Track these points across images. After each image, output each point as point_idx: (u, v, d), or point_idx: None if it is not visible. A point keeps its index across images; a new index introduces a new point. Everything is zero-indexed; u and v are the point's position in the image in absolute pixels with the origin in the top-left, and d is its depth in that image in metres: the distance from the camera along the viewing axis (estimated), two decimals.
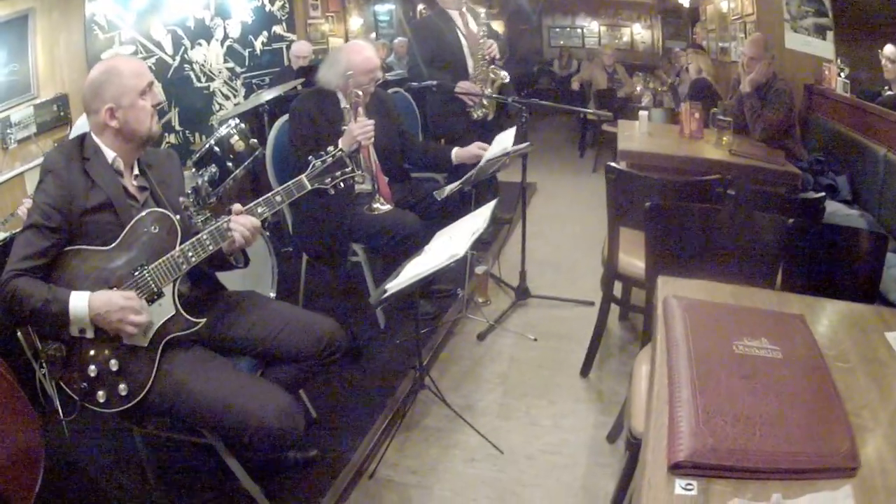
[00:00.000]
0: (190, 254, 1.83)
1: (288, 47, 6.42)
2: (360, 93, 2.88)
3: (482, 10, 4.10)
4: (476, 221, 2.35)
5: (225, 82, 5.72)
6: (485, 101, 3.94)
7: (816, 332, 1.22)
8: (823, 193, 2.45)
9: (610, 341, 3.19)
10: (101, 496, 2.28)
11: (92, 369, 1.77)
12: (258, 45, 6.19)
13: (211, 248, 1.86)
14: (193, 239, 1.85)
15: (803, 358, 1.12)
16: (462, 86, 3.89)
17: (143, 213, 1.86)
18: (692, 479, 0.89)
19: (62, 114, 4.08)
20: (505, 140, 3.05)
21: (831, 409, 1.00)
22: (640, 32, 12.21)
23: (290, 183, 1.98)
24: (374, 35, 8.62)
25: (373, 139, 2.85)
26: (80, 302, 1.72)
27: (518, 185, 3.49)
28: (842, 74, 4.41)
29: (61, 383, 1.82)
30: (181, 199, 2.07)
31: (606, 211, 2.68)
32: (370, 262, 3.15)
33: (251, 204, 1.94)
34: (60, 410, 2.35)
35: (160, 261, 1.81)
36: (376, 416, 2.59)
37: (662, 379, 1.09)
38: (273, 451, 2.24)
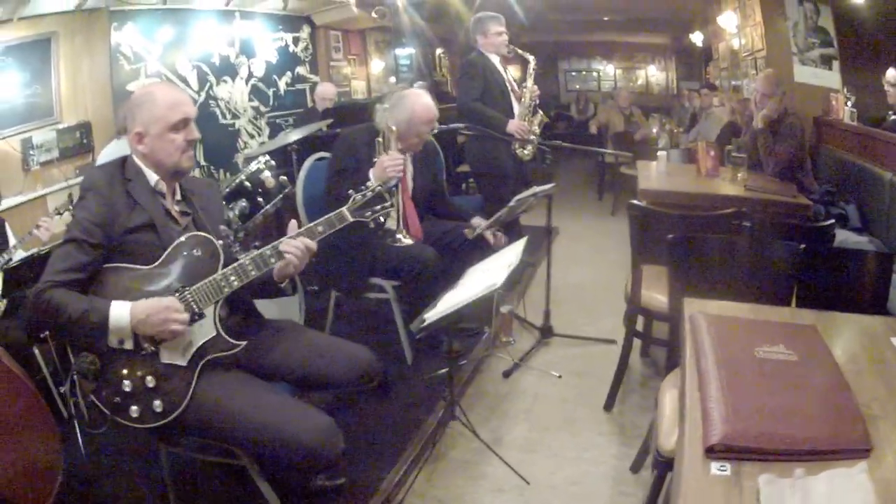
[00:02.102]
0: (232, 278, 1.90)
1: (311, 88, 6.61)
2: (394, 127, 3.07)
3: (531, 58, 4.39)
4: (509, 256, 2.49)
5: (250, 120, 5.89)
6: (532, 139, 4.22)
7: (829, 340, 1.40)
8: (833, 220, 2.61)
9: (631, 377, 3.30)
10: None
11: (126, 384, 1.82)
12: (282, 85, 6.39)
13: (253, 273, 1.92)
14: (236, 264, 1.92)
15: (817, 360, 1.29)
16: (514, 124, 4.20)
17: (186, 237, 1.94)
18: (725, 461, 1.05)
19: (85, 141, 4.21)
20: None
21: (844, 401, 1.16)
22: (654, 74, 12.51)
23: (331, 215, 2.06)
24: (393, 79, 8.85)
25: (402, 173, 3.01)
26: (121, 310, 1.78)
27: (540, 230, 3.66)
28: (848, 103, 4.59)
29: (92, 396, 1.84)
30: (221, 227, 2.14)
31: (630, 247, 2.82)
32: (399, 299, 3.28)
33: (295, 233, 2.02)
34: (77, 424, 2.49)
35: (202, 283, 1.87)
36: (404, 447, 2.68)
37: (693, 382, 1.26)
38: (310, 471, 2.28)
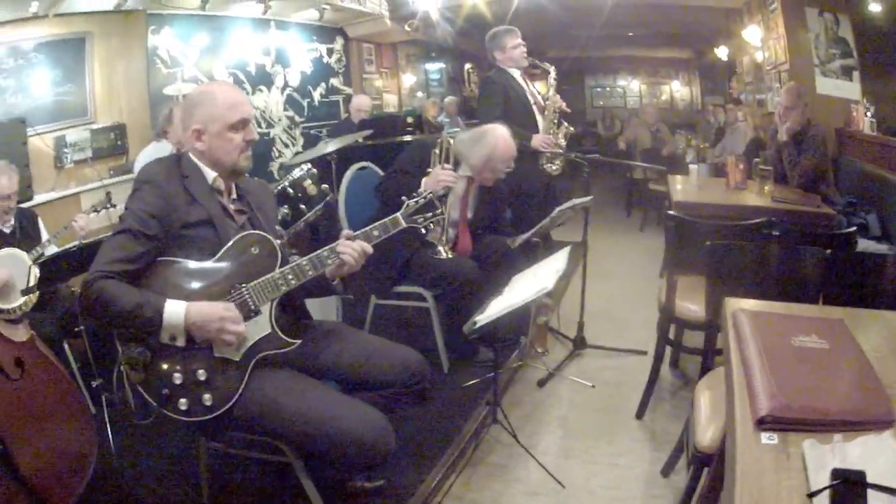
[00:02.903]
0: (290, 276, 1.97)
1: (345, 100, 6.80)
2: (452, 141, 3.25)
3: (551, 69, 4.46)
4: (557, 263, 2.66)
5: (284, 130, 6.06)
6: (560, 152, 4.27)
7: (855, 332, 1.60)
8: (855, 228, 2.75)
9: (662, 387, 3.44)
10: None
11: (177, 377, 1.85)
12: (316, 95, 6.56)
13: (310, 273, 2.00)
14: (293, 264, 1.99)
15: (845, 348, 1.50)
16: (538, 139, 4.23)
17: (245, 234, 2.01)
18: (773, 432, 1.23)
19: (119, 143, 4.32)
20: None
21: (871, 382, 1.36)
22: (679, 90, 12.65)
23: (386, 220, 2.16)
24: (420, 94, 9.01)
25: (450, 188, 3.12)
26: (176, 309, 1.81)
27: (571, 245, 3.75)
28: (868, 114, 4.70)
29: (140, 387, 1.87)
30: (277, 227, 2.27)
31: (664, 258, 2.94)
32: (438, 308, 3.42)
33: (354, 234, 2.12)
34: (108, 419, 2.57)
35: (259, 280, 1.94)
36: (442, 452, 2.79)
37: (739, 367, 1.45)
38: (362, 467, 2.28)
